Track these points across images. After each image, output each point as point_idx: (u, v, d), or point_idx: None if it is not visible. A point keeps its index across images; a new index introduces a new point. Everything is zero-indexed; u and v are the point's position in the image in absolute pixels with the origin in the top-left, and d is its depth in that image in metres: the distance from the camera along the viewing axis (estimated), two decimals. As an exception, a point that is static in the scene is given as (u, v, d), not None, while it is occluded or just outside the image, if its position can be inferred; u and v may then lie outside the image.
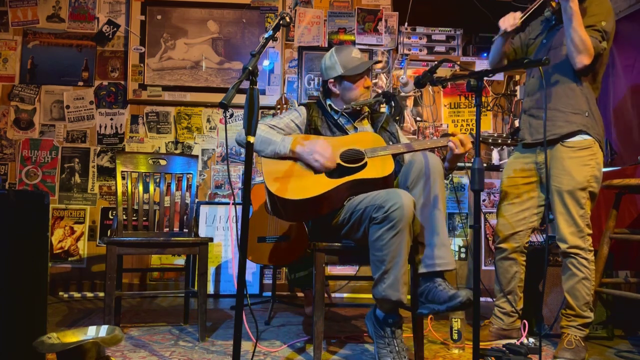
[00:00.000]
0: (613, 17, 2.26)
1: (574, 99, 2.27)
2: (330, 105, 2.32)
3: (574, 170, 2.23)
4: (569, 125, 2.26)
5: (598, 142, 2.27)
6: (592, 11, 2.23)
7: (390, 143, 2.26)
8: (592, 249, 2.25)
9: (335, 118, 2.30)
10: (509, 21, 2.28)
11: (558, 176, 2.26)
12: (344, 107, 2.29)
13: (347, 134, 2.26)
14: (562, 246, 2.25)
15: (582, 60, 2.16)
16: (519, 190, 2.44)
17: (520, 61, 2.09)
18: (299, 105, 2.36)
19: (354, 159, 2.09)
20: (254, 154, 2.01)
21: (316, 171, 2.08)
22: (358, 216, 1.95)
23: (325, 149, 2.06)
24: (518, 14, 2.28)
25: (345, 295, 3.85)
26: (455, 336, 2.30)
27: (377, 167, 2.05)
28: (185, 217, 2.88)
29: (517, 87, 3.99)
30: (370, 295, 1.99)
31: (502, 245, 2.47)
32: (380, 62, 1.95)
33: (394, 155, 2.12)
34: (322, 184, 2.02)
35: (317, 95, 2.40)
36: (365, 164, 2.07)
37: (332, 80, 2.28)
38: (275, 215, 2.15)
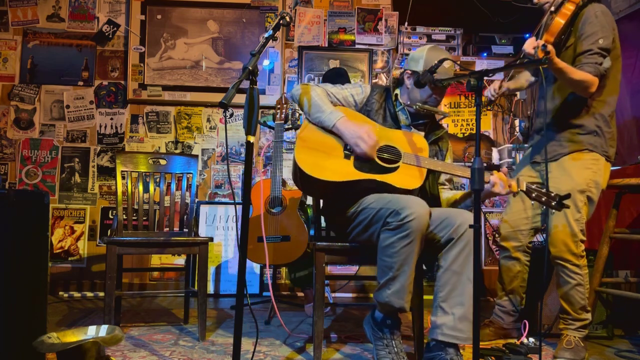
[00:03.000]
0: (611, 30, 2.20)
1: (581, 120, 2.26)
2: (396, 94, 2.22)
3: (574, 172, 2.22)
4: (574, 145, 2.26)
5: (605, 157, 2.25)
6: (587, 31, 2.17)
7: (435, 159, 2.16)
8: (583, 254, 2.23)
9: (396, 109, 2.20)
10: (490, 91, 2.47)
11: (557, 177, 2.26)
12: (408, 103, 2.17)
13: (399, 129, 2.16)
14: (553, 250, 2.22)
15: (589, 91, 2.16)
16: None
17: (520, 60, 2.09)
18: (366, 83, 2.27)
19: (389, 158, 2.02)
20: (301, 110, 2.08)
21: (349, 155, 2.02)
22: (370, 215, 1.91)
23: (370, 136, 1.98)
24: (497, 87, 2.47)
25: (345, 295, 3.85)
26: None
27: (407, 176, 1.98)
28: (185, 216, 2.88)
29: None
30: (371, 295, 1.98)
31: (504, 244, 2.48)
32: (449, 84, 1.97)
33: (429, 171, 2.04)
34: (345, 172, 1.98)
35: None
36: (397, 167, 2.00)
37: (409, 71, 2.17)
38: (293, 179, 2.13)
